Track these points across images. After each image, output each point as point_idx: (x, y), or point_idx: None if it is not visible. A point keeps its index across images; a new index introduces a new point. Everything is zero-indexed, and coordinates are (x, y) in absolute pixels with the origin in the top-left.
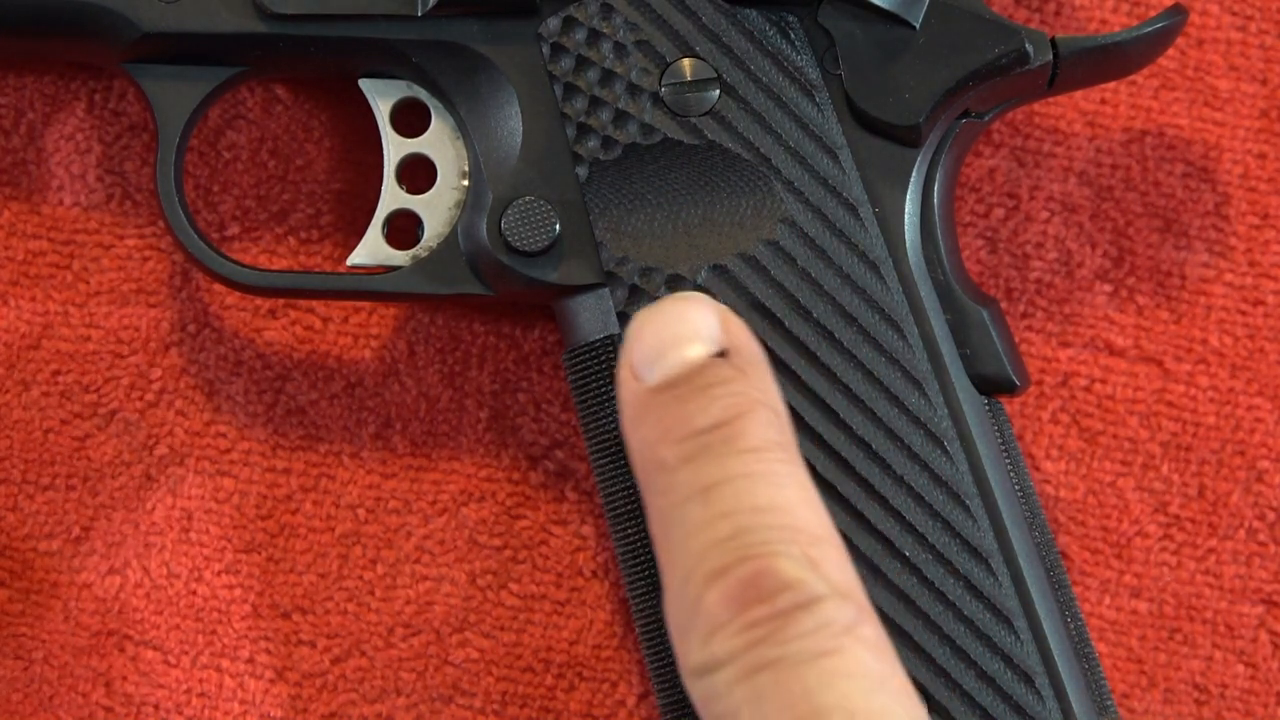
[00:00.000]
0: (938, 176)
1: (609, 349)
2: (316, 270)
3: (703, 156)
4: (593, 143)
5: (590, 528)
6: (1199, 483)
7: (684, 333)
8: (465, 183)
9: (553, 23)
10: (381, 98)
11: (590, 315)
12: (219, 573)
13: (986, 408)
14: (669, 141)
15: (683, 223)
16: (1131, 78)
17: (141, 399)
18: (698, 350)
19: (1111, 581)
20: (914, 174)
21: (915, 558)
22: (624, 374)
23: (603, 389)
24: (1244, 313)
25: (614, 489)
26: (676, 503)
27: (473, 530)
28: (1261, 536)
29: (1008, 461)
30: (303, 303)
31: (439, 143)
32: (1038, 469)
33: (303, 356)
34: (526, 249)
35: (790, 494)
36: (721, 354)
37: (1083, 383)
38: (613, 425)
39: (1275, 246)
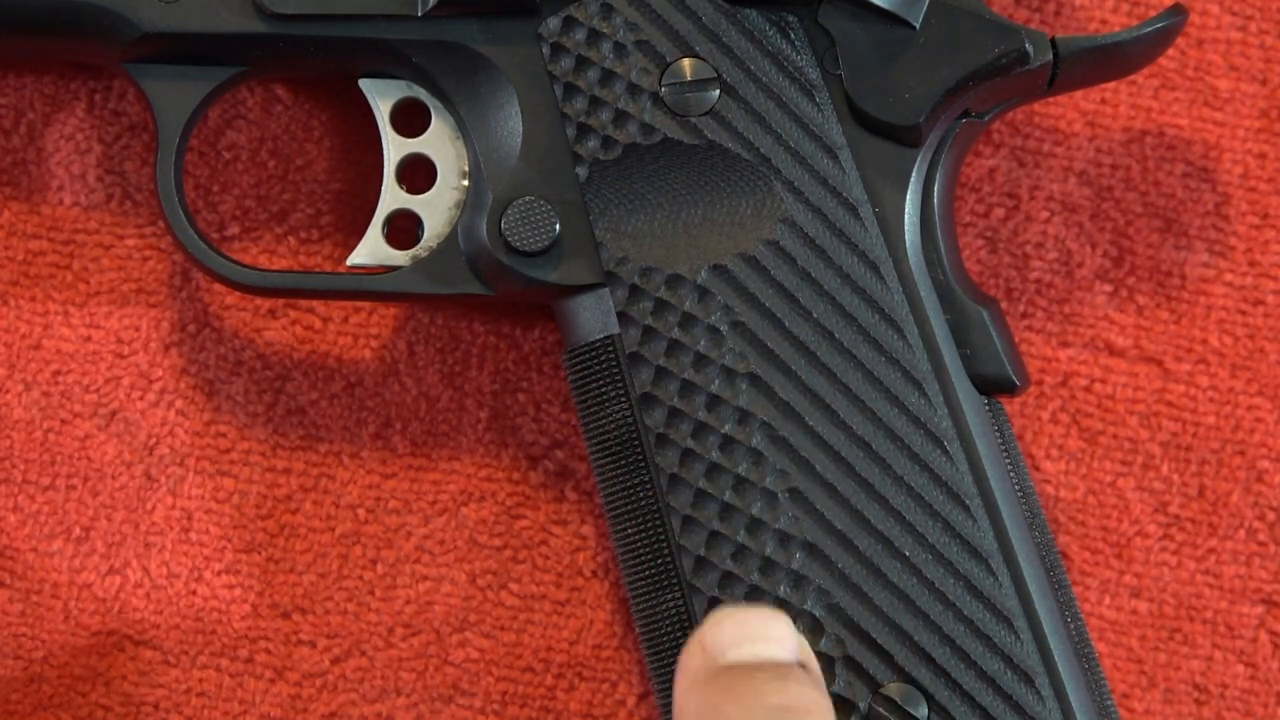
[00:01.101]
0: (938, 176)
1: (609, 349)
2: (316, 270)
3: (703, 156)
4: (593, 143)
5: (590, 528)
6: (1199, 483)
7: (767, 636)
8: (465, 183)
9: (553, 23)
10: (381, 98)
11: (590, 315)
12: (219, 573)
13: (986, 408)
14: (669, 141)
15: (683, 223)
16: (1131, 78)
17: (142, 399)
18: (778, 653)
19: (1111, 581)
20: (914, 174)
21: (915, 558)
22: (693, 648)
23: (603, 389)
24: (1244, 313)
25: (614, 489)
26: None
27: (473, 530)
28: (1261, 536)
29: (1008, 461)
30: (303, 303)
31: (439, 143)
32: (1038, 469)
33: (303, 356)
34: (526, 249)
35: None
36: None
37: (1083, 383)
38: (612, 425)
39: (1275, 246)
